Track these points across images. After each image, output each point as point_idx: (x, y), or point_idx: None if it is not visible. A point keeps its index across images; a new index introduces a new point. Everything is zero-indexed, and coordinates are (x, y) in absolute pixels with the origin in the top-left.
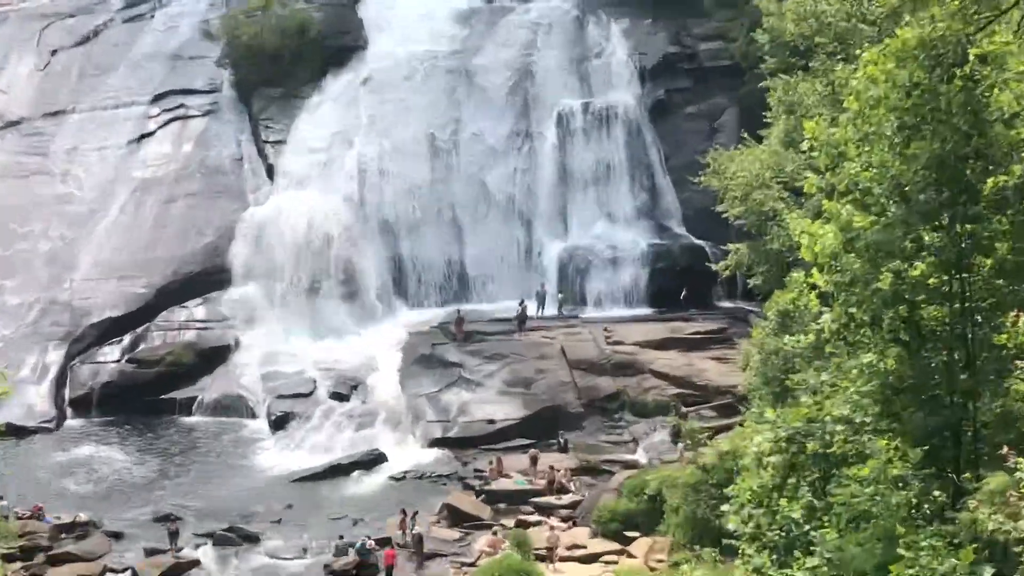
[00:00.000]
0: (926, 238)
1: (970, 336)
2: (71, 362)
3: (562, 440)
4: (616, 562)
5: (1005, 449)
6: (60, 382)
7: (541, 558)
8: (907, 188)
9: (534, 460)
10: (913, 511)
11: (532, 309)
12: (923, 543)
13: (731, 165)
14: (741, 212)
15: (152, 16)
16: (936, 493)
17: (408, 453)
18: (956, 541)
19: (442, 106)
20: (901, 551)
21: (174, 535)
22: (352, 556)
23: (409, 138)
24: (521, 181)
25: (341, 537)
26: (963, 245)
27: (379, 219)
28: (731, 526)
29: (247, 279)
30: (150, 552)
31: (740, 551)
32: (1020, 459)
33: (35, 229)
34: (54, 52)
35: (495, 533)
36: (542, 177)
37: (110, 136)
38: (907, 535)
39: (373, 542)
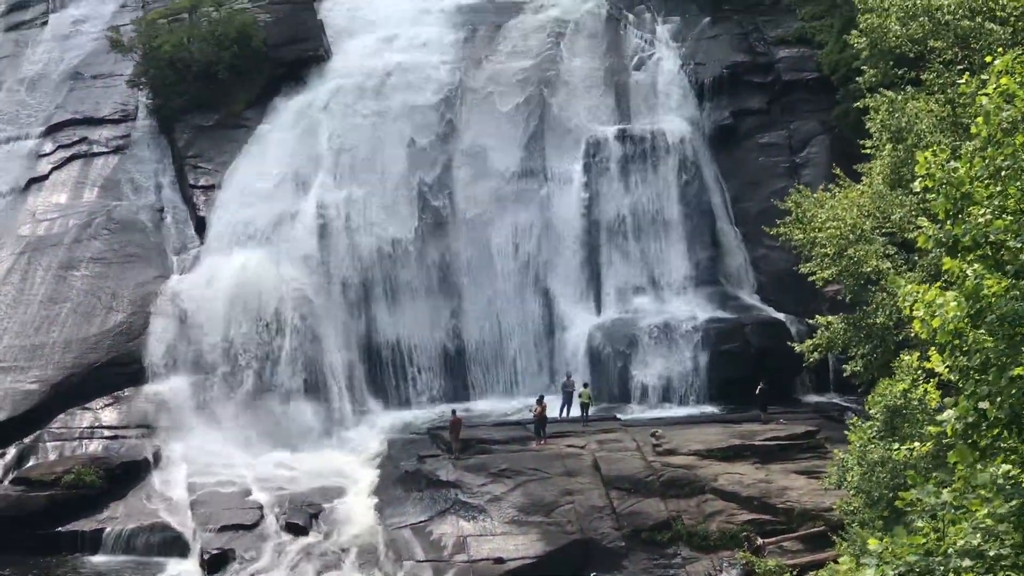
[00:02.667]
0: None
1: None
2: None
3: None
4: None
5: None
6: None
7: None
8: None
9: None
10: None
11: (554, 408)
12: None
13: (820, 212)
14: (833, 275)
15: (44, 23)
16: None
17: None
18: None
19: (430, 137)
20: None
21: None
22: None
23: (387, 181)
24: (537, 236)
25: None
26: None
27: (347, 289)
28: None
29: (170, 371)
30: None
31: None
32: None
33: None
34: None
35: None
36: (565, 230)
37: None
38: None
39: None
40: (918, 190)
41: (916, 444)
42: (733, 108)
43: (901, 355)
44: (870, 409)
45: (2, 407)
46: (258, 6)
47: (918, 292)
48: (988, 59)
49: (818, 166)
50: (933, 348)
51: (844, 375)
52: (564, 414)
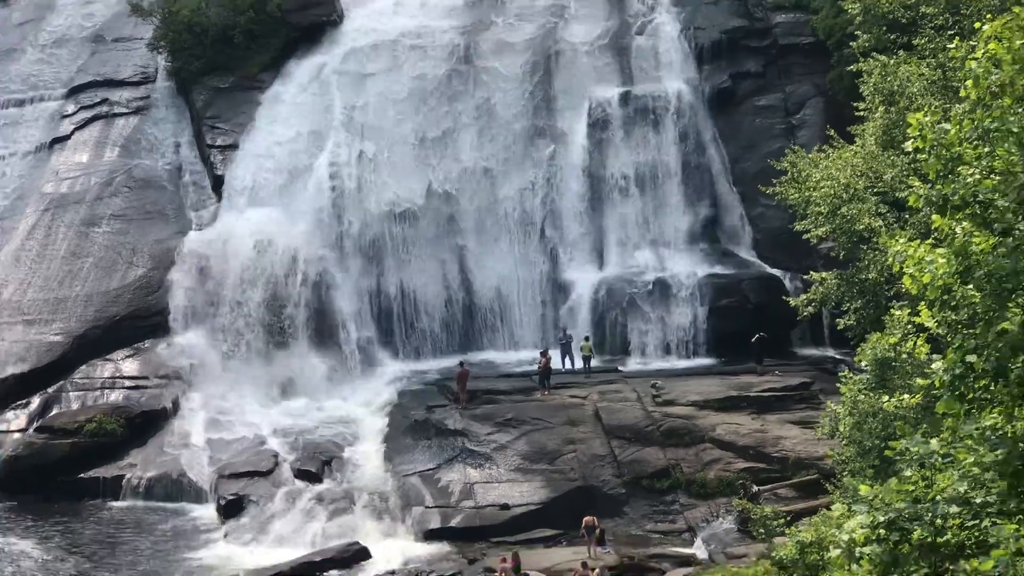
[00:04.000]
0: None
1: None
2: None
3: (597, 530)
4: None
5: None
6: None
7: None
8: None
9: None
10: None
11: (558, 361)
12: None
13: (814, 172)
14: (827, 232)
15: None
16: None
17: (397, 548)
18: None
19: (439, 98)
20: None
21: None
22: None
23: (397, 140)
24: (542, 195)
25: None
26: None
27: (358, 245)
28: None
29: (189, 324)
30: None
31: None
32: None
33: None
34: None
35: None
36: (569, 189)
37: (13, 140)
38: None
39: None
40: (909, 151)
41: (905, 396)
42: (731, 71)
43: (892, 310)
44: (859, 361)
45: (27, 358)
46: None
47: (908, 249)
48: (977, 25)
49: (813, 128)
50: (923, 303)
51: (838, 329)
52: (570, 366)
